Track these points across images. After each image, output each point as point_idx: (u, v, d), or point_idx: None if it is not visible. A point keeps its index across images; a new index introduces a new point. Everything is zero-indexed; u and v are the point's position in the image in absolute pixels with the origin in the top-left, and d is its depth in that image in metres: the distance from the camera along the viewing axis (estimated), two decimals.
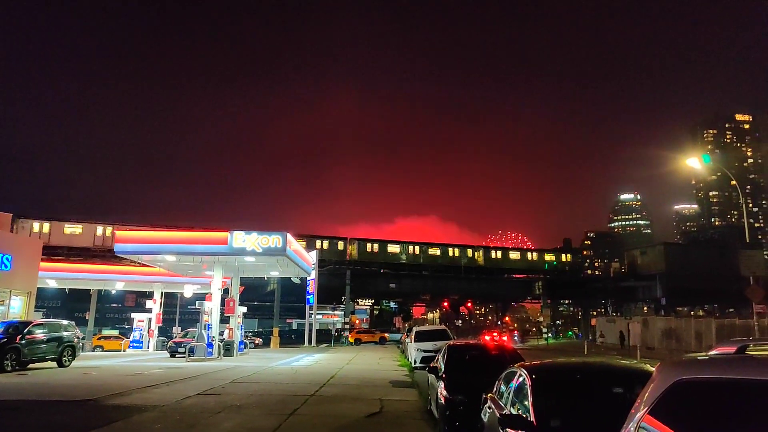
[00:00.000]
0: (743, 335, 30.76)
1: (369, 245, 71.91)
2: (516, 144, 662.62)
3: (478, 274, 76.49)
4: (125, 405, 11.94)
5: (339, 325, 58.20)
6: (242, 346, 33.72)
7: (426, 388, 12.98)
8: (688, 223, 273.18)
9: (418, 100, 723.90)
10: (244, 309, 37.36)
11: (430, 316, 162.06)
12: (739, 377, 1.78)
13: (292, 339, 58.57)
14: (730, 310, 74.24)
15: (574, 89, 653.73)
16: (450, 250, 76.77)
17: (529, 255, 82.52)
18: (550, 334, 72.00)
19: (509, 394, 5.49)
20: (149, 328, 42.34)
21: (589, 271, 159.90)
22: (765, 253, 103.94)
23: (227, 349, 29.34)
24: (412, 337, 26.53)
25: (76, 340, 23.48)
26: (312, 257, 44.61)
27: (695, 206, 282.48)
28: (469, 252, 77.51)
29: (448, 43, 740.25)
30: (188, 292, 43.43)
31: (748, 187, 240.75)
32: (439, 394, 9.18)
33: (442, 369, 9.97)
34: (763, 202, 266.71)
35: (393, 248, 73.46)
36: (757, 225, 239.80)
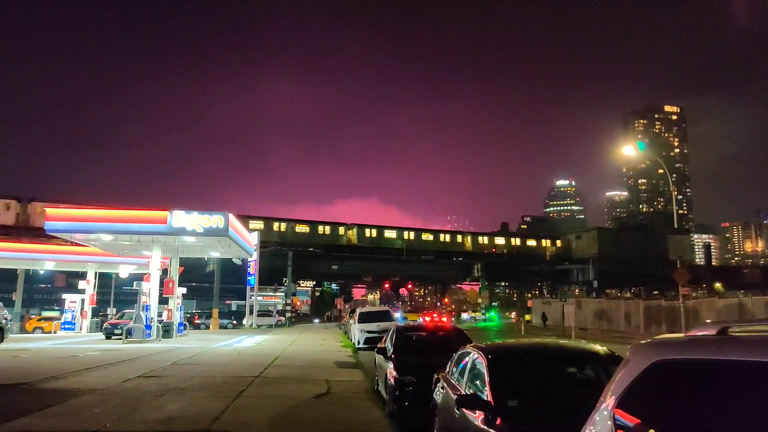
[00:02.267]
0: (670, 316, 32.57)
1: (300, 227, 70.97)
2: (455, 130, 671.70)
3: (419, 256, 77.17)
4: (61, 389, 11.45)
5: (280, 307, 57.64)
6: (182, 328, 33.00)
7: (372, 368, 13.07)
8: (618, 209, 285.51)
9: (358, 83, 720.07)
10: (184, 290, 36.48)
11: (370, 297, 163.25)
12: (723, 358, 1.86)
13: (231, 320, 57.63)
14: (655, 292, 78.00)
15: (513, 78, 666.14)
16: (385, 232, 76.75)
17: (469, 237, 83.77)
18: (480, 316, 71.16)
19: (463, 374, 5.56)
20: (82, 309, 40.74)
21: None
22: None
23: (166, 330, 28.69)
24: (356, 318, 26.93)
25: (3, 321, 22.35)
26: (254, 238, 43.90)
27: (625, 193, 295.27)
28: (411, 234, 77.88)
29: (389, 28, 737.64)
30: (124, 272, 41.92)
31: (674, 175, 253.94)
32: (388, 374, 9.22)
33: (391, 350, 10.02)
34: (688, 190, 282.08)
35: (325, 229, 72.79)
36: (681, 212, 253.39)
